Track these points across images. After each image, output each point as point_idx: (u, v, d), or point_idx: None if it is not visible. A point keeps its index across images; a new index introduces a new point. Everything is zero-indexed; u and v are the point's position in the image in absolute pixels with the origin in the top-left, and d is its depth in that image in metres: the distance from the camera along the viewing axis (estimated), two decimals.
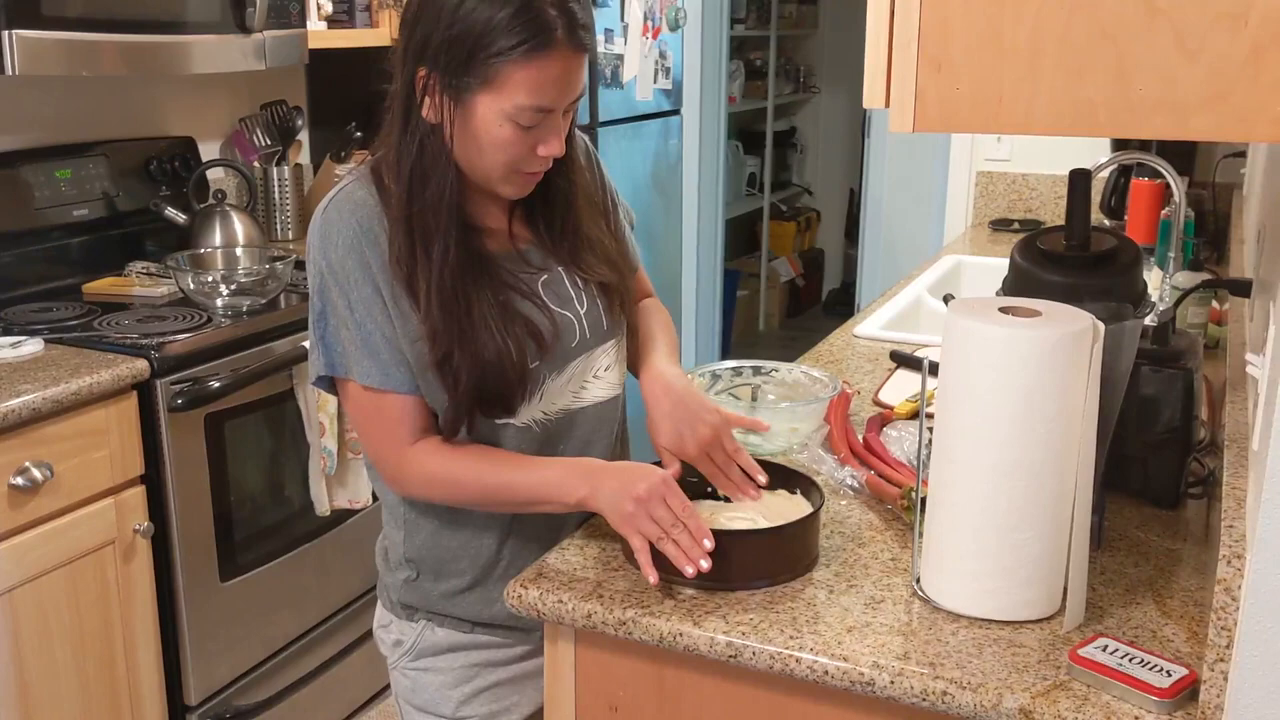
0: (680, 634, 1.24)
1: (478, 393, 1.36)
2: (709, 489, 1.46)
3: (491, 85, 1.30)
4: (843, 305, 6.35)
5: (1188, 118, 0.95)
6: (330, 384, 1.42)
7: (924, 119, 1.06)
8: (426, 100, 1.33)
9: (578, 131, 1.54)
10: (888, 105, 1.07)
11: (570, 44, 1.31)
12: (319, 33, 2.95)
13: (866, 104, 1.09)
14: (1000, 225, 3.54)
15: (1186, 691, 1.09)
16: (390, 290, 1.36)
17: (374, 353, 1.36)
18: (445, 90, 1.32)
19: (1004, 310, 1.23)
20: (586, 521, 1.47)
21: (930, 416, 1.29)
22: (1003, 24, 1.00)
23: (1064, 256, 1.39)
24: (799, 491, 1.46)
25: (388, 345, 1.37)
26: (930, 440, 1.29)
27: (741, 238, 6.47)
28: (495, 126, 1.32)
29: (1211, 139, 0.95)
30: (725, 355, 5.53)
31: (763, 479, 1.45)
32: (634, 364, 1.58)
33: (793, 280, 6.72)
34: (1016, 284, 1.41)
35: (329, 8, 3.05)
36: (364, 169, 1.43)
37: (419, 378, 1.38)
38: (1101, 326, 1.20)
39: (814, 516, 1.37)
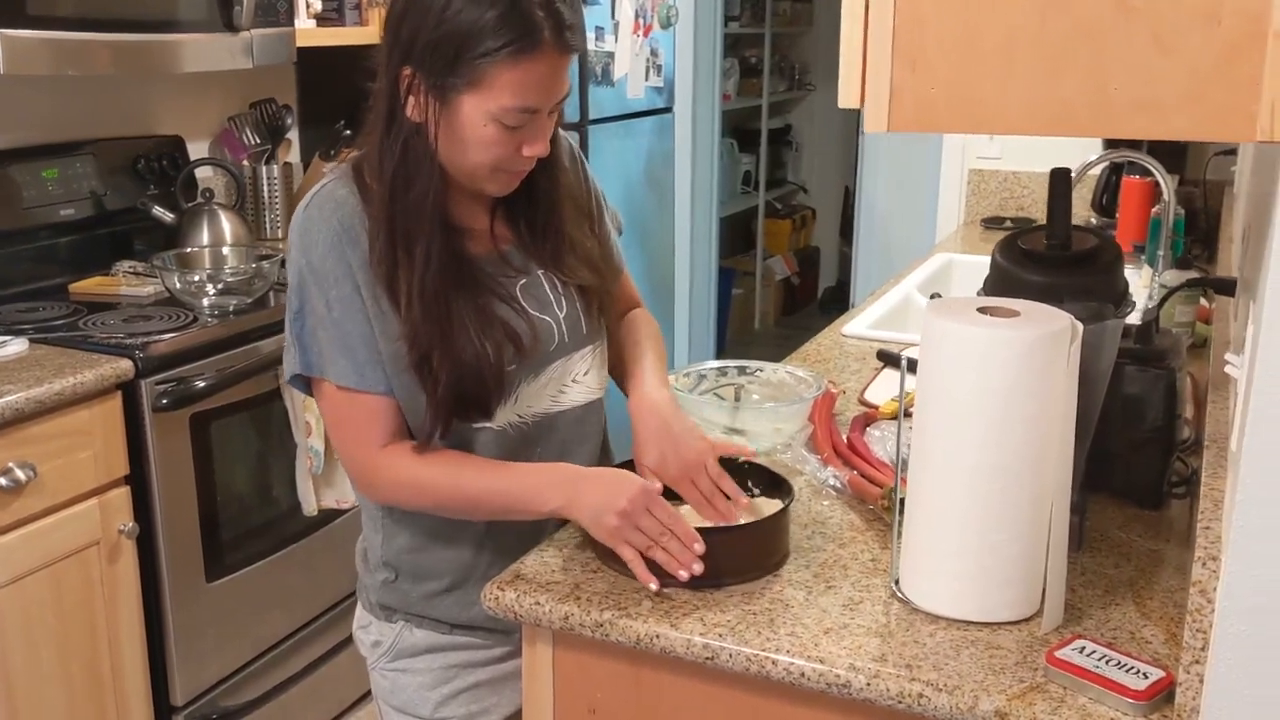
0: (657, 635, 1.23)
1: (455, 395, 1.35)
2: None
3: (477, 86, 1.29)
4: (838, 303, 6.34)
5: (1164, 117, 0.95)
6: (305, 383, 1.42)
7: (899, 118, 1.05)
8: (411, 99, 1.33)
9: (562, 133, 1.53)
10: (862, 104, 1.06)
11: (557, 45, 1.31)
12: (308, 31, 2.94)
13: (842, 103, 1.09)
14: (992, 223, 3.53)
15: (1163, 694, 1.08)
16: (371, 290, 1.35)
17: (350, 352, 1.36)
18: (430, 90, 1.31)
19: (983, 310, 1.22)
20: (566, 524, 1.46)
21: (910, 415, 1.29)
22: (978, 23, 1.00)
23: (1045, 256, 1.39)
24: (771, 493, 1.46)
25: (365, 345, 1.36)
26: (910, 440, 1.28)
27: (737, 236, 6.47)
28: (480, 126, 1.31)
29: (1188, 138, 0.95)
30: (720, 354, 5.53)
31: (745, 501, 1.43)
32: (622, 382, 1.57)
33: (788, 278, 6.71)
34: (997, 283, 1.41)
35: (318, 6, 3.04)
36: (345, 167, 1.42)
37: (394, 379, 1.37)
38: (1080, 326, 1.19)
39: (780, 515, 1.37)
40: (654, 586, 1.28)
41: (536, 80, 1.30)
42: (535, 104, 1.32)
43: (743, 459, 1.50)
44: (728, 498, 1.42)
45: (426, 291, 1.33)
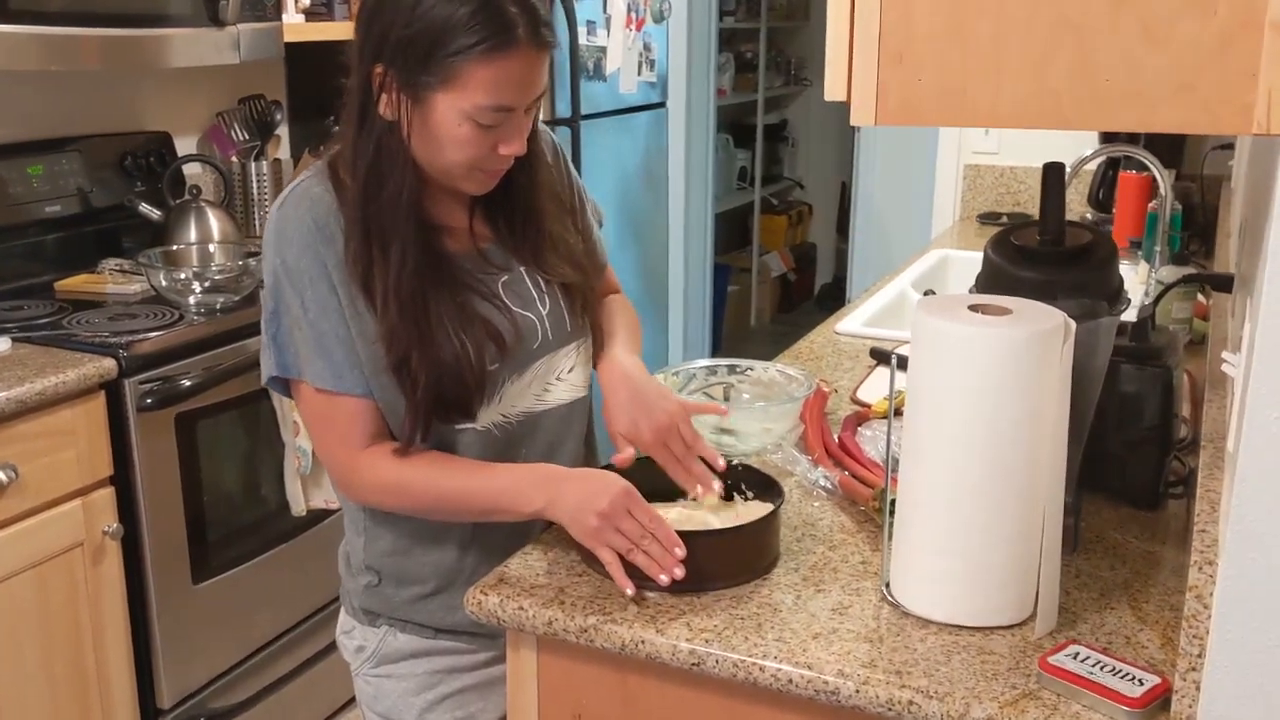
0: (643, 641, 1.21)
1: (435, 397, 1.32)
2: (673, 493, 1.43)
3: (451, 84, 1.26)
4: (835, 300, 6.31)
5: (1155, 109, 0.92)
6: (282, 385, 1.39)
7: (886, 112, 1.03)
8: (383, 97, 1.30)
9: (544, 128, 1.51)
10: (849, 98, 1.04)
11: (532, 42, 1.28)
12: (297, 25, 2.90)
13: (828, 96, 1.06)
14: (988, 219, 3.50)
15: (1159, 701, 1.06)
16: (346, 290, 1.33)
17: (327, 354, 1.33)
18: (403, 88, 1.28)
19: (974, 308, 1.20)
20: (552, 526, 1.43)
21: (900, 415, 1.26)
22: (965, 13, 0.97)
23: (1038, 252, 1.36)
24: (761, 495, 1.43)
25: (341, 346, 1.33)
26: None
27: (733, 232, 6.44)
28: (454, 125, 1.29)
29: (1179, 130, 0.92)
30: (716, 350, 5.50)
31: (721, 464, 1.41)
32: (595, 356, 1.54)
33: (784, 275, 6.68)
34: (989, 280, 1.38)
35: (307, 1, 3.00)
36: (321, 164, 1.40)
37: (373, 380, 1.35)
38: (1072, 324, 1.16)
39: (768, 519, 1.34)
40: (630, 591, 1.25)
41: (511, 78, 1.27)
42: (510, 102, 1.29)
43: (736, 461, 1.47)
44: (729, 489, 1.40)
45: (403, 291, 1.31)
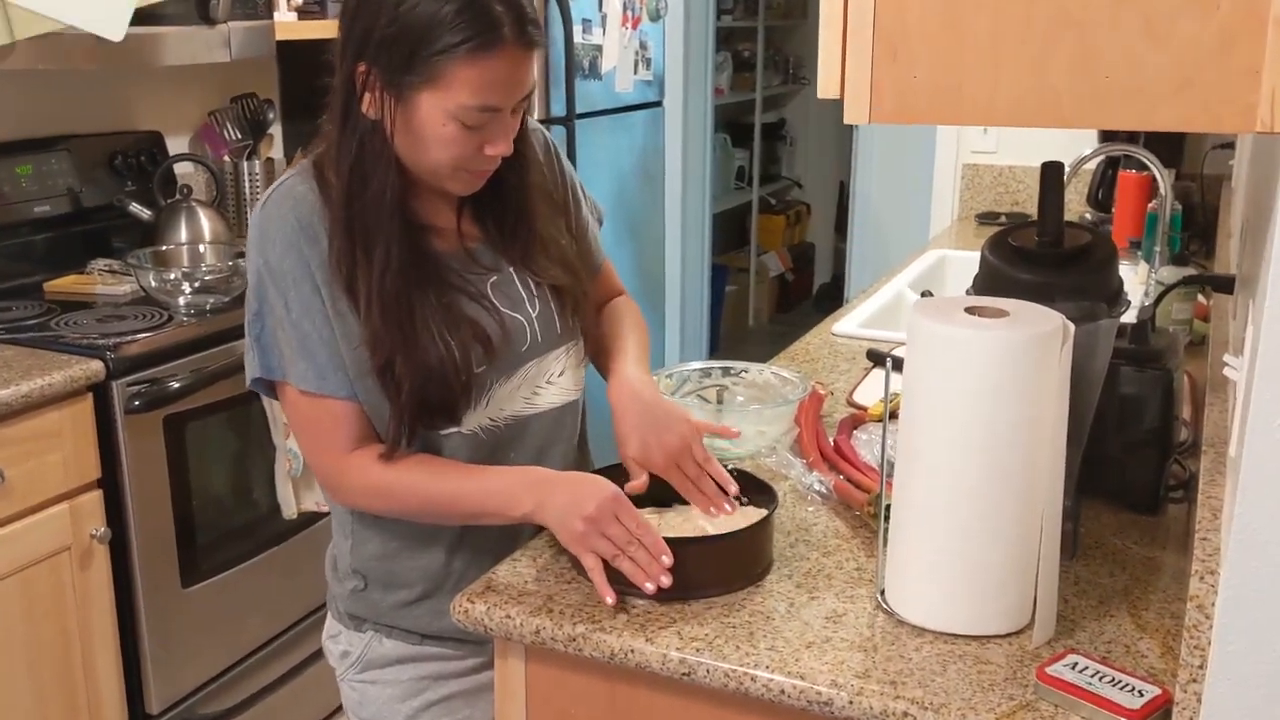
0: (632, 650, 1.18)
1: (420, 401, 1.30)
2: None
3: (435, 84, 1.24)
4: (833, 300, 6.28)
5: (1155, 107, 0.90)
6: (267, 387, 1.36)
7: (880, 110, 1.01)
8: (367, 96, 1.28)
9: (538, 126, 1.48)
10: (842, 96, 1.02)
11: (518, 41, 1.25)
12: (289, 24, 2.88)
13: (821, 94, 1.04)
14: (986, 219, 3.48)
15: (1159, 713, 1.03)
16: (329, 290, 1.30)
17: (310, 355, 1.30)
18: (386, 87, 1.26)
19: (970, 310, 1.17)
20: (541, 531, 1.41)
21: (896, 418, 1.24)
22: (963, 8, 0.95)
23: (1036, 253, 1.34)
24: (755, 500, 1.40)
25: (325, 348, 1.31)
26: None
27: (731, 232, 6.41)
28: (439, 125, 1.26)
29: (1178, 129, 0.90)
30: (714, 351, 5.48)
31: (734, 489, 1.38)
32: (603, 368, 1.52)
33: (782, 275, 6.65)
34: (987, 282, 1.36)
35: None
36: (306, 163, 1.37)
37: (357, 382, 1.32)
38: (1071, 327, 1.14)
39: (760, 525, 1.32)
40: (610, 600, 1.23)
41: (497, 78, 1.24)
42: (496, 103, 1.26)
43: (731, 466, 1.44)
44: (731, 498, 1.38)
45: (386, 293, 1.28)
